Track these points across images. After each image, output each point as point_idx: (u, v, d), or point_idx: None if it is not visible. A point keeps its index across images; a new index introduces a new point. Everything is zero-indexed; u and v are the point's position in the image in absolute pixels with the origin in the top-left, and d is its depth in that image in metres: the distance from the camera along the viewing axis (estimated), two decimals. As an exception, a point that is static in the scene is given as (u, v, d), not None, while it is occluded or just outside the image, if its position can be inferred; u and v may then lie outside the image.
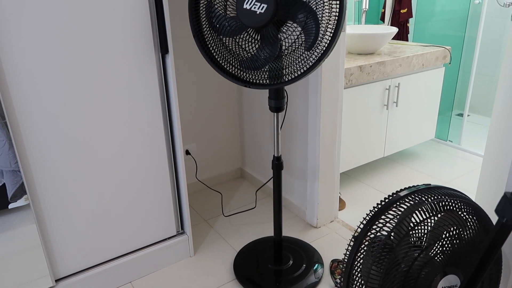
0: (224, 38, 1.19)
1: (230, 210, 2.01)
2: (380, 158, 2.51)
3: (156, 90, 1.40)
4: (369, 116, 2.10)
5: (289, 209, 2.01)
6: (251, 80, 1.20)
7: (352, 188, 2.21)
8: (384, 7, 2.68)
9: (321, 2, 1.05)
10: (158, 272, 1.60)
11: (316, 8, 1.06)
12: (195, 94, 2.05)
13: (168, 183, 1.54)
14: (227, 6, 1.17)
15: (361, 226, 0.93)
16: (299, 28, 1.09)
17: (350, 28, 2.39)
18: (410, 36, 2.80)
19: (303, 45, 1.11)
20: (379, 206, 0.90)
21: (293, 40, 1.11)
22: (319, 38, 1.08)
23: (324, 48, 1.07)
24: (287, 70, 1.16)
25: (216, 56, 1.22)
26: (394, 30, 2.19)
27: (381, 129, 2.19)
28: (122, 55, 1.30)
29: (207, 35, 1.21)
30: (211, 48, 1.21)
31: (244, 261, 1.63)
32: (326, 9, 1.06)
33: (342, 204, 2.04)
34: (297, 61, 1.13)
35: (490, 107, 3.17)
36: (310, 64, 1.11)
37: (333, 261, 1.61)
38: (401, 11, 2.63)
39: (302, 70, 1.13)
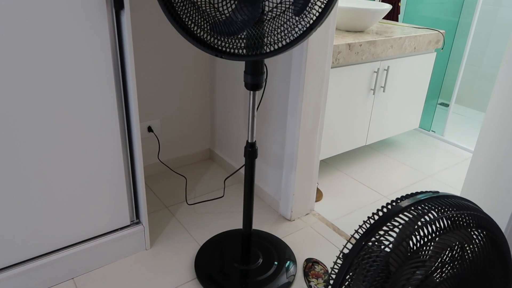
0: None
1: (195, 197, 1.80)
2: (361, 147, 2.35)
3: (107, 53, 1.14)
4: (354, 101, 1.91)
5: (261, 198, 1.82)
6: (223, 49, 0.97)
7: (330, 177, 2.05)
8: (376, -18, 2.46)
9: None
10: (106, 267, 1.39)
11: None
12: (160, 62, 1.79)
13: (121, 165, 1.31)
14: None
15: (352, 240, 0.74)
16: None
17: (341, 1, 2.17)
18: (400, 16, 2.60)
19: (291, 8, 0.89)
20: (376, 217, 0.72)
21: (278, 1, 0.89)
22: (312, 1, 0.86)
23: (318, 14, 0.86)
24: (268, 39, 0.94)
25: (182, 15, 0.98)
26: (388, 7, 1.99)
27: (366, 116, 2.01)
28: (64, 7, 1.03)
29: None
30: (175, 5, 0.97)
31: (207, 257, 1.43)
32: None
33: (319, 195, 1.87)
34: (281, 29, 0.91)
35: (475, 98, 3.06)
36: (299, 33, 0.89)
37: (307, 260, 1.45)
38: (394, -12, 2.42)
39: (287, 40, 0.91)
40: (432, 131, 2.61)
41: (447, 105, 2.65)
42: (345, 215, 1.75)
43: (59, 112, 1.13)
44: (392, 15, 2.52)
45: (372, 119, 2.06)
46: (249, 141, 1.21)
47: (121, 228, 1.41)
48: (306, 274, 1.39)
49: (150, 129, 1.86)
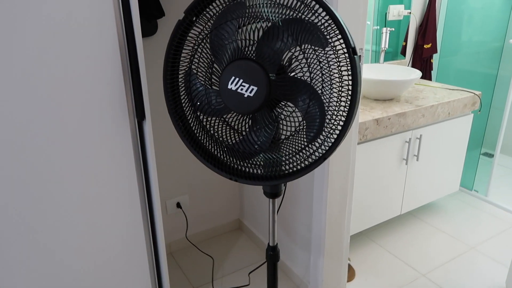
0: (203, 117, 0.96)
1: (223, 276, 1.77)
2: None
3: (130, 155, 1.17)
4: (385, 172, 1.84)
5: (289, 277, 1.76)
6: (238, 167, 0.97)
7: (363, 250, 1.95)
8: (406, 40, 2.41)
9: (329, 83, 0.82)
10: None
11: (322, 92, 0.82)
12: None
13: (144, 254, 1.31)
14: (212, 78, 0.93)
15: None
16: (299, 115, 0.86)
17: (368, 69, 2.14)
18: (433, 72, 2.52)
19: (304, 135, 0.87)
20: None
21: (293, 129, 0.87)
22: (325, 132, 0.84)
23: (331, 145, 0.83)
24: (285, 161, 0.92)
25: (200, 139, 0.99)
26: (417, 76, 1.93)
27: (399, 186, 1.93)
28: (91, 121, 1.08)
29: (187, 112, 0.98)
30: (194, 129, 0.98)
31: None
32: (334, 93, 0.82)
33: (351, 274, 1.78)
34: (297, 157, 0.89)
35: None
36: (315, 159, 0.87)
37: None
38: (425, 46, 2.36)
39: (306, 163, 0.89)
40: (475, 190, 2.45)
41: (491, 156, 2.48)
42: (379, 299, 1.65)
43: (87, 205, 1.16)
44: (425, 73, 2.45)
45: (406, 189, 1.97)
46: (271, 244, 1.18)
47: (146, 322, 1.40)
48: None
49: (179, 205, 1.88)
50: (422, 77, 2.44)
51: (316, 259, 1.56)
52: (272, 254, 1.18)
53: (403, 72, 2.08)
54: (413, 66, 2.44)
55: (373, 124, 1.67)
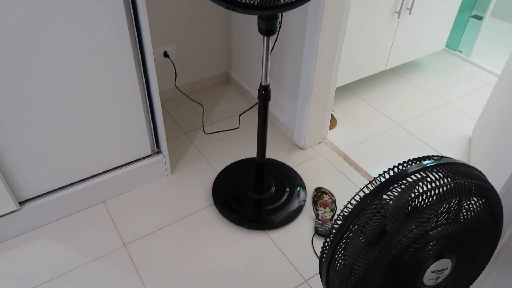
0: None
1: (212, 124, 1.86)
2: (383, 71, 2.29)
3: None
4: (376, 25, 1.81)
5: (276, 125, 1.87)
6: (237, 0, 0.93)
7: (346, 103, 2.05)
8: None
9: None
10: (132, 192, 1.53)
11: None
12: (174, -15, 1.70)
13: (138, 97, 1.35)
14: None
15: (353, 202, 0.80)
16: None
17: None
18: None
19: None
20: (378, 181, 0.77)
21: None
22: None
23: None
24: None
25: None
26: None
27: (387, 40, 1.92)
28: None
29: None
30: None
31: (224, 185, 1.55)
32: None
33: (333, 122, 1.90)
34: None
35: None
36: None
37: (316, 190, 1.55)
38: None
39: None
40: (458, 50, 2.48)
41: (481, 18, 2.46)
42: (357, 144, 1.80)
43: (81, 48, 1.14)
44: None
45: (394, 42, 1.97)
46: (263, 84, 1.21)
47: (143, 158, 1.51)
48: (314, 203, 1.51)
49: (166, 55, 1.85)
50: None
51: (303, 106, 1.64)
52: (264, 93, 1.22)
53: None
54: None
55: (372, -31, 1.58)
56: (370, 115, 1.97)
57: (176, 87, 1.98)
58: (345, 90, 2.14)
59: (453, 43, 2.49)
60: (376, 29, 1.83)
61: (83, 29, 1.12)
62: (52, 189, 1.37)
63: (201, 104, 1.97)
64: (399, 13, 1.84)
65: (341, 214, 0.80)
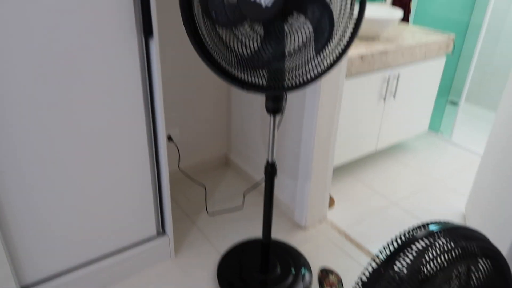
0: (220, 29, 1.00)
1: (215, 206, 1.88)
2: (374, 153, 2.40)
3: (137, 74, 1.20)
4: (365, 108, 1.96)
5: (276, 205, 1.89)
6: (247, 81, 1.03)
7: (341, 183, 2.11)
8: (386, -15, 2.47)
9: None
10: (135, 276, 1.47)
11: (332, 6, 0.88)
12: (178, 73, 1.84)
13: (148, 177, 1.38)
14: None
15: (367, 273, 0.81)
16: (310, 26, 0.92)
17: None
18: (411, 16, 2.62)
19: (312, 46, 0.94)
20: (388, 249, 0.78)
21: (302, 39, 0.94)
22: (333, 42, 0.91)
23: (339, 54, 0.91)
24: (290, 73, 0.99)
25: (210, 50, 1.03)
26: (399, 15, 2.01)
27: (376, 122, 2.06)
28: (99, 37, 1.09)
29: (200, 23, 1.01)
30: (204, 40, 1.02)
31: (228, 267, 1.51)
32: (343, 9, 0.88)
33: (331, 202, 1.93)
34: (303, 70, 0.96)
35: (485, 97, 3.08)
36: (320, 72, 0.95)
37: (322, 270, 1.52)
38: (404, -10, 2.43)
39: (308, 77, 0.97)
40: (441, 132, 2.65)
41: (456, 103, 2.68)
42: (355, 222, 1.82)
43: (98, 128, 1.20)
44: (404, 15, 2.54)
45: (382, 125, 2.11)
46: (269, 161, 1.27)
47: (148, 240, 1.48)
48: (321, 283, 1.47)
49: (169, 138, 1.93)
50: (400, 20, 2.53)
51: (303, 185, 1.68)
52: (271, 170, 1.28)
53: (386, 11, 2.16)
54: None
55: (358, 59, 1.76)
56: (365, 194, 2.02)
57: (179, 169, 2.02)
58: (339, 171, 2.21)
59: (435, 125, 2.67)
60: (366, 112, 1.97)
61: (106, 112, 1.19)
62: (54, 273, 1.31)
63: (203, 186, 2.00)
64: (384, 97, 2.01)
65: (359, 282, 0.80)
